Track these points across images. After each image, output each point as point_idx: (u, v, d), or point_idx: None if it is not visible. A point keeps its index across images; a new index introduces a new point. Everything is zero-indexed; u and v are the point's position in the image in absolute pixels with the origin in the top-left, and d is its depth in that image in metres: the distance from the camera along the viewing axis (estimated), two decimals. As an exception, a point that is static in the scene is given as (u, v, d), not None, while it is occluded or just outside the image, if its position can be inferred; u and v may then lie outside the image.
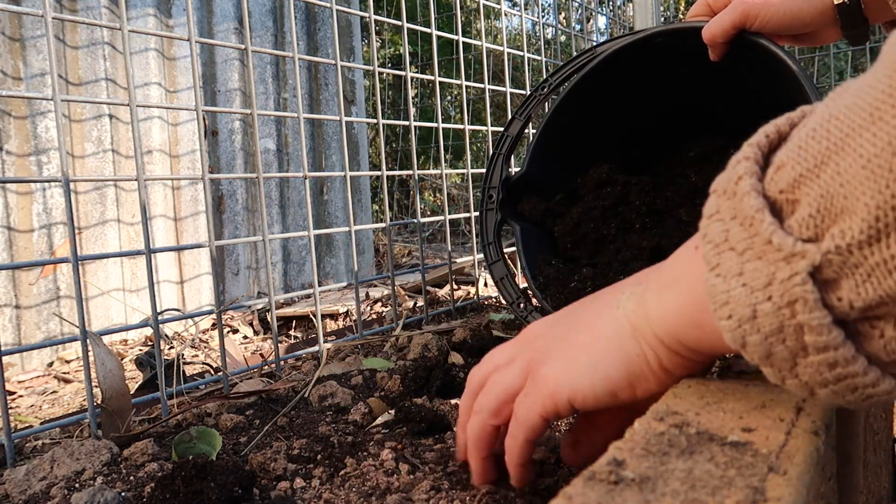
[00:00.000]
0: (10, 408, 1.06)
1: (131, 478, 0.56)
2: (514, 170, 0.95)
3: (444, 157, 1.19)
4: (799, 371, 0.28)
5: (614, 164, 0.89)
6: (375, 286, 1.71)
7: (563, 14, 2.63)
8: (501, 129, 0.96)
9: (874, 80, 0.26)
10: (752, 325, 0.28)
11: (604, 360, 0.38)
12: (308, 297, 1.65)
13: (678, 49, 0.79)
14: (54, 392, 1.17)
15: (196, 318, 1.52)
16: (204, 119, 1.72)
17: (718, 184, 0.31)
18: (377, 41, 4.07)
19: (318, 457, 0.56)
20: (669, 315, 0.35)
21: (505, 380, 0.43)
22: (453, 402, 0.69)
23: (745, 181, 0.29)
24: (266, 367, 0.88)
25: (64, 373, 1.29)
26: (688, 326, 0.34)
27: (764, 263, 0.28)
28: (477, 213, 1.00)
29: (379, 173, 1.04)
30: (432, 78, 1.19)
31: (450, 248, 1.21)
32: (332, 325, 1.44)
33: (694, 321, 0.34)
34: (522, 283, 0.92)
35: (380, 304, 1.55)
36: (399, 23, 1.09)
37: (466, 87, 1.23)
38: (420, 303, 1.34)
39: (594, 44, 0.92)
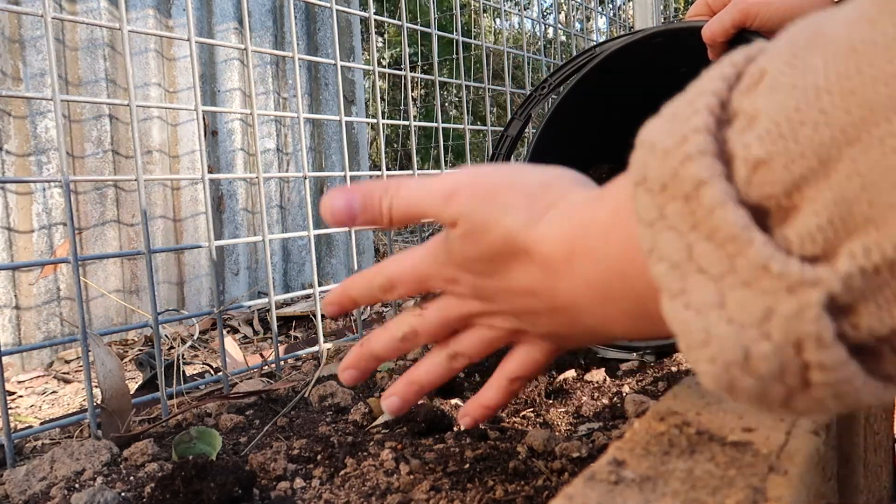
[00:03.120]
0: (10, 408, 1.06)
1: (131, 478, 0.56)
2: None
3: (445, 156, 1.19)
4: (795, 403, 0.24)
5: (615, 165, 0.89)
6: (375, 286, 1.71)
7: (563, 13, 2.64)
8: (502, 128, 0.96)
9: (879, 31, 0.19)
10: (743, 369, 0.23)
11: None
12: (308, 297, 1.65)
13: (678, 49, 0.79)
14: (54, 392, 1.17)
15: (196, 319, 1.52)
16: (204, 119, 1.72)
17: (650, 174, 0.24)
18: (380, 41, 4.07)
19: (318, 457, 0.56)
20: None
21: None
22: (453, 402, 0.69)
23: (713, 187, 0.22)
24: (266, 367, 0.88)
25: (64, 373, 1.29)
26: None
27: (755, 293, 0.22)
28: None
29: (379, 173, 1.04)
30: (432, 77, 1.19)
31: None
32: (332, 325, 1.44)
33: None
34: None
35: (380, 303, 1.55)
36: (400, 23, 1.09)
37: (467, 86, 1.23)
38: (420, 303, 1.33)
39: (594, 43, 0.92)
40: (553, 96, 0.91)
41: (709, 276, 0.22)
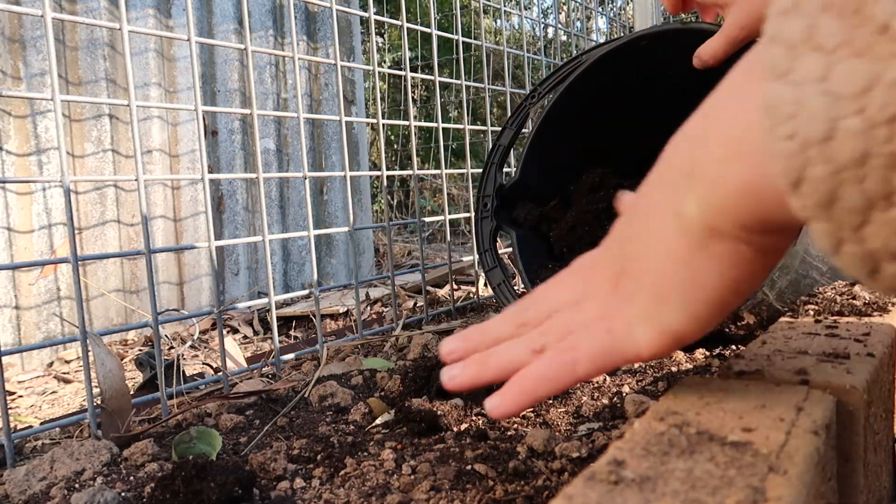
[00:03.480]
0: (10, 408, 1.06)
1: (131, 478, 0.56)
2: (512, 169, 0.96)
3: (445, 156, 1.19)
4: (868, 232, 0.20)
5: (608, 169, 0.90)
6: (375, 286, 1.71)
7: (563, 13, 2.64)
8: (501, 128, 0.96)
9: None
10: (821, 151, 0.20)
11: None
12: (308, 297, 1.65)
13: (667, 50, 0.80)
14: (54, 392, 1.17)
15: (196, 319, 1.52)
16: (204, 119, 1.72)
17: None
18: (383, 42, 4.07)
19: (318, 457, 0.56)
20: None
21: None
22: (453, 402, 0.69)
23: None
24: (266, 367, 0.88)
25: (64, 373, 1.29)
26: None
27: (865, 62, 0.19)
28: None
29: (379, 173, 1.04)
30: (433, 78, 1.19)
31: (450, 249, 1.21)
32: (332, 325, 1.44)
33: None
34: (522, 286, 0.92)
35: (380, 304, 1.55)
36: (400, 23, 1.09)
37: (467, 87, 1.23)
38: (420, 303, 1.34)
39: (594, 43, 0.93)
40: (550, 95, 0.91)
41: (823, 51, 0.20)
